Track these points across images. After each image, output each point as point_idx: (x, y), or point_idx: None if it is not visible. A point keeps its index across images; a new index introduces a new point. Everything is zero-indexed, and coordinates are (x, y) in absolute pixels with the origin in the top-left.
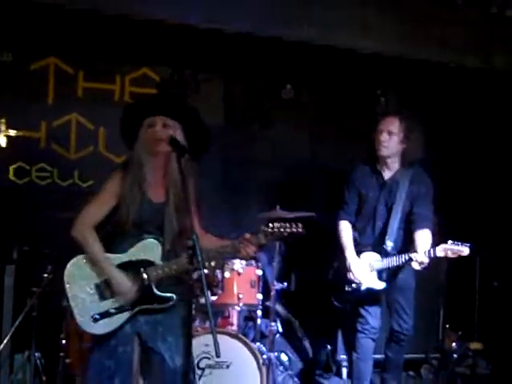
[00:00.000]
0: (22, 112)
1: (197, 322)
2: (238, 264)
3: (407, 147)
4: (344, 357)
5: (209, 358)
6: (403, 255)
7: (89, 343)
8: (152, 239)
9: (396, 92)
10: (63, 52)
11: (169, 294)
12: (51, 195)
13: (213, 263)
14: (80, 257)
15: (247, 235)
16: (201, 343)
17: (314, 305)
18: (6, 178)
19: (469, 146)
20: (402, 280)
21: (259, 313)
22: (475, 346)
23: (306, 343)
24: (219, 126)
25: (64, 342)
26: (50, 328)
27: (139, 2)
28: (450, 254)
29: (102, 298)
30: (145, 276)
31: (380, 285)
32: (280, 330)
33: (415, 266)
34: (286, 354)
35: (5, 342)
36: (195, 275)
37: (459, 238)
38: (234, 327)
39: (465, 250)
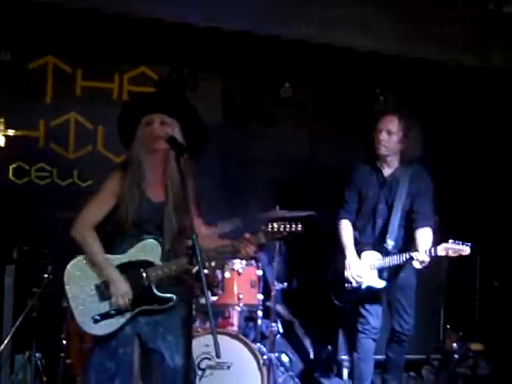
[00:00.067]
0: (20, 111)
1: (197, 323)
2: (239, 264)
3: (406, 146)
4: (345, 357)
5: (209, 359)
6: (404, 254)
7: (89, 344)
8: (151, 239)
9: (395, 90)
10: (61, 51)
11: (169, 295)
12: (51, 195)
13: (213, 263)
14: (80, 257)
15: (247, 235)
16: (201, 344)
17: (314, 304)
18: (6, 178)
19: (467, 145)
20: (403, 279)
21: (260, 313)
22: (476, 346)
23: (307, 342)
24: (218, 125)
25: (64, 342)
26: (51, 328)
27: (138, 1)
28: (450, 254)
29: (102, 298)
30: (145, 277)
31: (380, 283)
32: (281, 330)
33: (416, 264)
34: (287, 355)
35: (5, 342)
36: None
37: (459, 238)
38: (235, 328)
39: (466, 250)
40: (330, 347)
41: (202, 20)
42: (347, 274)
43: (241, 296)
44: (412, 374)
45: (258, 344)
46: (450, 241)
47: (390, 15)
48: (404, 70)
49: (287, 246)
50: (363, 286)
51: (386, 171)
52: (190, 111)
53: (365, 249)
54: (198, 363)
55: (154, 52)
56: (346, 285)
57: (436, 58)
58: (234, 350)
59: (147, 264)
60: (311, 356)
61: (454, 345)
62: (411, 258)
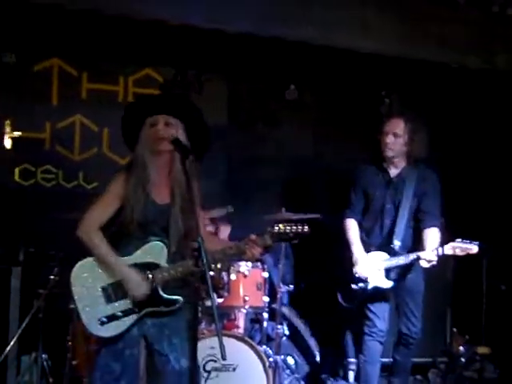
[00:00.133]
0: (26, 113)
1: (203, 325)
2: (244, 266)
3: (412, 148)
4: (351, 360)
5: (215, 361)
6: (411, 254)
7: (95, 345)
8: (157, 242)
9: (399, 92)
10: (67, 53)
11: (175, 297)
12: (56, 197)
13: (219, 265)
14: (86, 259)
15: (253, 236)
16: (207, 346)
17: (320, 307)
18: (12, 180)
19: (473, 146)
20: (411, 281)
21: (265, 315)
22: (483, 350)
23: (313, 345)
24: (223, 127)
25: (70, 343)
26: (57, 330)
27: (140, 3)
28: (458, 252)
29: (109, 300)
30: (151, 279)
31: (387, 284)
32: (286, 332)
33: (424, 264)
34: (293, 357)
35: (12, 343)
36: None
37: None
38: (241, 330)
39: (473, 248)
40: (336, 350)
41: (204, 22)
42: (356, 269)
43: (246, 298)
44: (418, 377)
45: (264, 346)
46: (458, 239)
47: (393, 17)
48: (407, 71)
49: (293, 248)
50: (370, 287)
51: (393, 172)
52: (194, 112)
53: (372, 249)
54: (204, 365)
55: (158, 54)
56: (353, 286)
57: (439, 60)
58: (239, 353)
59: (153, 266)
60: (317, 359)
61: (461, 348)
62: (418, 258)
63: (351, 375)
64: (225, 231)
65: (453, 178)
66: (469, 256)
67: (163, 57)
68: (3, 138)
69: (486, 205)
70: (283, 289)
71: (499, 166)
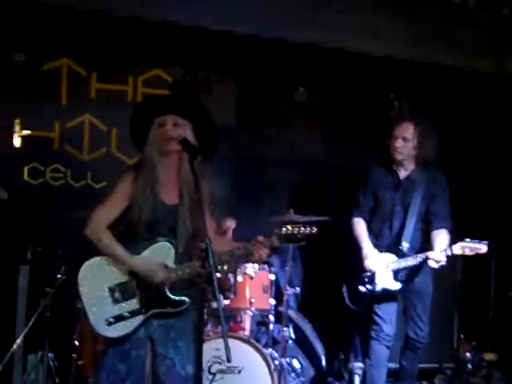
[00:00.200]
0: (35, 113)
1: (209, 327)
2: (251, 268)
3: (421, 151)
4: (357, 364)
5: (220, 363)
6: (420, 254)
7: (102, 345)
8: (165, 242)
9: (409, 96)
10: (76, 53)
11: (182, 298)
12: (64, 196)
13: (225, 267)
14: (94, 259)
15: (260, 238)
16: (212, 348)
17: (327, 310)
18: (21, 179)
19: (482, 149)
20: (420, 284)
21: (271, 318)
22: (490, 356)
23: (319, 348)
24: (232, 127)
25: (77, 343)
26: (63, 329)
27: (151, 5)
28: (467, 252)
29: (116, 301)
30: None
31: (396, 285)
32: (292, 335)
33: (432, 264)
34: (299, 361)
35: (18, 342)
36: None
37: None
38: (247, 332)
39: (483, 247)
40: (341, 354)
41: (214, 23)
42: (366, 263)
43: (253, 300)
44: (425, 382)
45: (270, 349)
46: (467, 239)
47: (403, 20)
48: (417, 75)
49: (301, 250)
50: (378, 289)
51: (402, 174)
52: (203, 113)
53: (381, 251)
54: (209, 367)
55: (168, 55)
56: (361, 288)
57: (450, 64)
58: (244, 355)
59: None
60: (323, 362)
61: (468, 354)
62: (427, 258)
63: (357, 379)
64: (229, 225)
65: (462, 181)
66: (477, 259)
67: (173, 57)
68: (12, 137)
69: (495, 208)
70: (290, 291)
71: (509, 169)
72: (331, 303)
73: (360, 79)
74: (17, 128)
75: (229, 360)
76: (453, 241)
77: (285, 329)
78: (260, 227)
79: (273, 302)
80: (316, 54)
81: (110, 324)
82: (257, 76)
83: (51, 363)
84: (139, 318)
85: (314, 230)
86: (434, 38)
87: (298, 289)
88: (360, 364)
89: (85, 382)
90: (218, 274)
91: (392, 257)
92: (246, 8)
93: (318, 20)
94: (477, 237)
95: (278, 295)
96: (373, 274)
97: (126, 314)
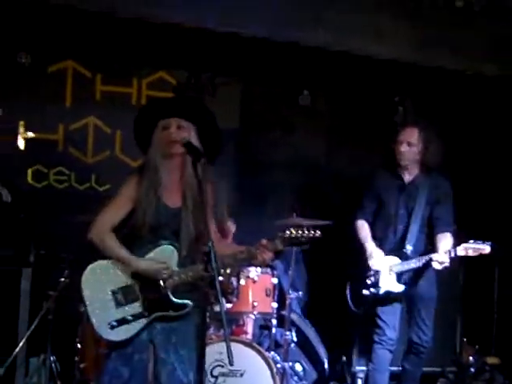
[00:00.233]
0: (40, 115)
1: (211, 330)
2: (254, 272)
3: (426, 156)
4: (359, 368)
5: (222, 366)
6: (424, 257)
7: (105, 349)
8: (168, 245)
9: (413, 99)
10: (81, 55)
11: (185, 301)
12: (68, 199)
13: (228, 270)
14: (98, 262)
15: (264, 241)
16: (214, 351)
17: (330, 313)
18: (25, 181)
19: (486, 153)
20: (424, 287)
21: (274, 321)
22: (492, 360)
23: (322, 352)
24: (235, 130)
25: (79, 346)
26: (66, 332)
27: (156, 6)
28: (471, 253)
29: (119, 304)
30: (161, 283)
31: (399, 287)
32: (295, 339)
33: (436, 265)
34: (301, 364)
35: (20, 344)
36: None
37: None
38: (249, 336)
39: (486, 248)
40: (344, 358)
41: (219, 25)
42: (371, 262)
43: (255, 304)
44: None
45: (272, 352)
46: (470, 241)
47: (406, 23)
48: (421, 78)
49: (304, 253)
50: (381, 292)
51: (407, 178)
52: (207, 115)
53: (384, 254)
54: (211, 370)
55: (172, 57)
56: (365, 291)
57: (453, 67)
58: (247, 358)
59: None
60: (325, 366)
61: (471, 358)
62: (431, 260)
63: (359, 383)
64: (230, 229)
65: (466, 184)
66: (480, 263)
67: (177, 60)
68: (17, 139)
69: (498, 210)
70: (293, 295)
71: None
72: (334, 307)
73: (364, 83)
74: (21, 130)
75: (231, 363)
76: (456, 244)
77: (287, 332)
78: (263, 230)
79: (275, 305)
80: (320, 57)
81: (112, 327)
82: (261, 79)
83: (53, 366)
84: (142, 322)
85: (318, 233)
86: (438, 41)
87: (301, 293)
88: (362, 368)
89: None
90: (221, 278)
91: (395, 259)
92: (251, 10)
93: (322, 23)
94: (480, 238)
95: (281, 299)
96: (377, 277)
97: (129, 317)
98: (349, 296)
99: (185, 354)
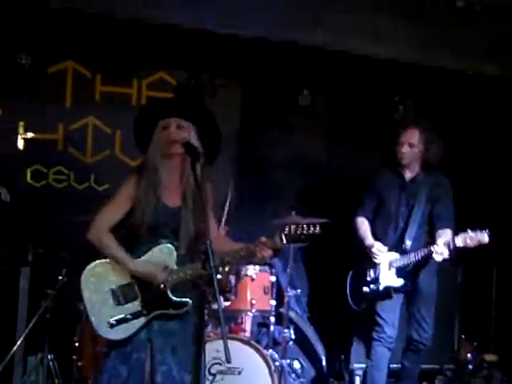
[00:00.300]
0: (39, 115)
1: (209, 328)
2: (252, 270)
3: (427, 156)
4: (357, 365)
5: (220, 364)
6: (423, 249)
7: (104, 347)
8: (167, 244)
9: (413, 99)
10: (81, 56)
11: (184, 299)
12: (67, 198)
13: (226, 268)
14: (97, 262)
15: (263, 238)
16: (212, 349)
17: (328, 311)
18: (24, 181)
19: (487, 152)
20: (424, 285)
21: (272, 319)
22: (490, 357)
23: (320, 349)
24: (236, 131)
25: (77, 344)
26: (64, 330)
27: (156, 7)
28: (469, 243)
29: (118, 303)
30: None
31: (398, 282)
32: (293, 336)
33: (436, 257)
34: (299, 362)
35: (18, 343)
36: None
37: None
38: (247, 333)
39: (484, 237)
40: (342, 355)
41: (218, 26)
42: (373, 252)
43: (253, 302)
44: (425, 383)
45: (270, 350)
46: (469, 230)
47: (406, 23)
48: (421, 78)
49: (303, 251)
50: (381, 287)
51: (408, 176)
52: (207, 116)
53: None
54: (209, 368)
55: (172, 57)
56: (365, 288)
57: (454, 67)
58: (245, 356)
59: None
60: (323, 363)
61: (469, 355)
62: (430, 252)
63: (357, 380)
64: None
65: (465, 182)
66: (478, 260)
67: (177, 60)
68: (16, 139)
69: (498, 211)
70: (291, 293)
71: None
72: (332, 304)
73: (363, 83)
74: (20, 130)
75: (228, 360)
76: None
77: (285, 330)
78: (263, 230)
79: (273, 303)
80: (320, 57)
81: (112, 326)
82: (261, 79)
83: (51, 365)
84: (141, 320)
85: (318, 230)
86: (439, 41)
87: (299, 290)
88: (361, 365)
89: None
90: (219, 276)
91: (395, 255)
92: (250, 11)
93: (321, 23)
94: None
95: (279, 297)
96: (376, 273)
97: (129, 316)
98: (349, 294)
99: (182, 356)
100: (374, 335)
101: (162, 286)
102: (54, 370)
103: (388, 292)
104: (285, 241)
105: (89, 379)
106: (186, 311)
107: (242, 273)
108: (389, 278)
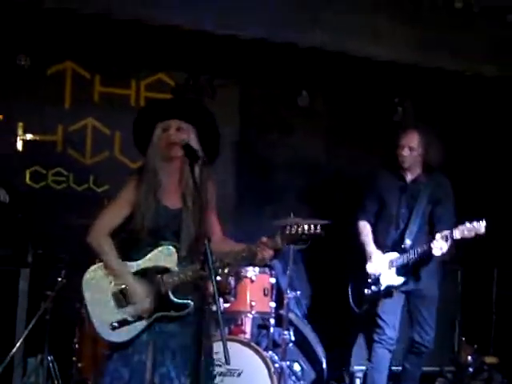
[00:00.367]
0: (38, 116)
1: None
2: (251, 271)
3: (427, 158)
4: (358, 367)
5: (220, 366)
6: (422, 245)
7: (105, 349)
8: (168, 246)
9: (412, 100)
10: (80, 57)
11: (185, 301)
12: (66, 199)
13: (226, 270)
14: (98, 264)
15: (264, 239)
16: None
17: (328, 313)
18: (23, 182)
19: (486, 153)
20: (426, 287)
21: (272, 321)
22: (491, 359)
23: (320, 351)
24: (235, 132)
25: (77, 346)
26: (63, 332)
27: (155, 8)
28: (467, 234)
29: (120, 305)
30: (161, 283)
31: (398, 280)
32: (293, 338)
33: (436, 252)
34: (299, 364)
35: (18, 344)
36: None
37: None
38: (247, 335)
39: (481, 226)
40: (342, 357)
41: (217, 27)
42: (369, 267)
43: (253, 303)
44: None
45: (270, 352)
46: (466, 222)
47: (405, 24)
48: (421, 79)
49: (303, 253)
50: (382, 288)
51: (409, 178)
52: (206, 117)
53: (386, 251)
54: None
55: (171, 59)
56: (366, 290)
57: (453, 69)
58: (244, 358)
59: (163, 270)
60: (324, 365)
61: (469, 358)
62: (429, 248)
63: (358, 382)
64: None
65: (465, 183)
66: (479, 264)
67: (176, 61)
68: (16, 140)
69: (498, 212)
70: (290, 295)
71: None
72: (333, 306)
73: (362, 83)
74: (19, 131)
75: (227, 362)
76: (456, 242)
77: (285, 332)
78: (263, 231)
79: (273, 305)
80: (318, 58)
81: (114, 329)
82: (260, 80)
83: (51, 366)
84: (143, 323)
85: (319, 230)
86: (438, 43)
87: (299, 292)
88: (361, 367)
89: None
90: (219, 277)
91: (394, 254)
92: (248, 12)
93: (319, 24)
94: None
95: (279, 299)
96: (377, 276)
97: (130, 318)
98: (350, 297)
99: (181, 359)
100: (375, 337)
101: (163, 288)
102: (54, 371)
103: (389, 291)
104: (286, 241)
105: (89, 380)
106: (188, 313)
107: (242, 274)
108: (389, 277)
